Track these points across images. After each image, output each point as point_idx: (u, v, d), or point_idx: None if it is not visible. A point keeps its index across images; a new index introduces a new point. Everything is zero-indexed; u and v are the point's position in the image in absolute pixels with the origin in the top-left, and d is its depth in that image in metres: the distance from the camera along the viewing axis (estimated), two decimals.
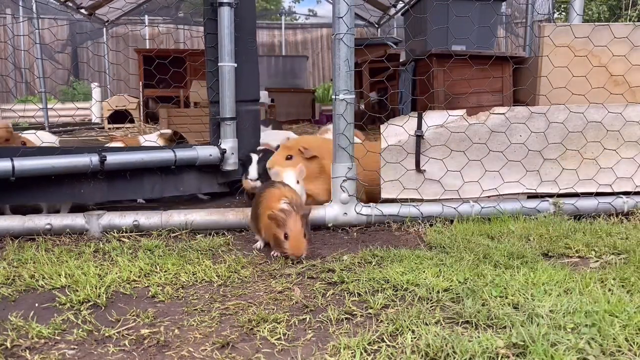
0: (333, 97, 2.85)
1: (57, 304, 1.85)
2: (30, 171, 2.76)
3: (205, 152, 3.21)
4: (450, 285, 1.92)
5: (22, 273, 2.13)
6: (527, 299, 1.78)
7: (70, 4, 8.95)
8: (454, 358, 1.39)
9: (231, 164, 3.31)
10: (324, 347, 1.51)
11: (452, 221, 2.88)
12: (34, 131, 3.64)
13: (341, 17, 2.75)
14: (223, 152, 3.25)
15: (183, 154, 3.15)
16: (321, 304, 1.83)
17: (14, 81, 11.85)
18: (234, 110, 3.25)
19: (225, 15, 3.14)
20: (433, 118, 3.02)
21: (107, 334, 1.61)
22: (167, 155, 3.11)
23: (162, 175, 3.21)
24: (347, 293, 1.91)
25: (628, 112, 3.07)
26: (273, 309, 1.78)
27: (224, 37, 3.15)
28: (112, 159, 2.94)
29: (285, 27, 15.52)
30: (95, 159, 2.87)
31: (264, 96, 8.68)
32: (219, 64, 3.20)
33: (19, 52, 11.52)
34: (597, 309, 1.63)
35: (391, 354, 1.44)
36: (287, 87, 10.64)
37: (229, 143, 3.27)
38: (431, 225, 2.84)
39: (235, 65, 3.22)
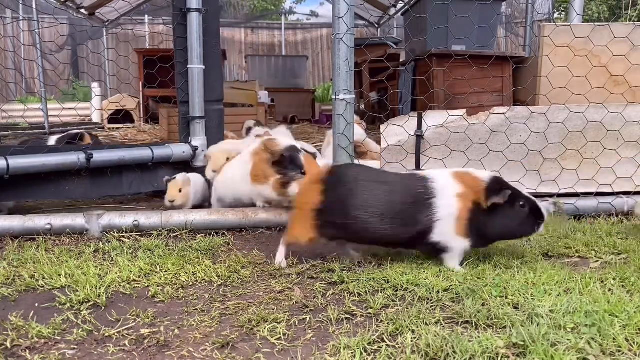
0: (333, 97, 2.85)
1: (57, 304, 1.85)
2: (24, 169, 2.84)
3: (179, 150, 3.39)
4: (450, 285, 1.92)
5: (22, 273, 2.13)
6: (527, 299, 1.78)
7: (70, 4, 8.94)
8: (454, 358, 1.39)
9: (201, 160, 3.46)
10: (324, 347, 1.51)
11: None
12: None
13: (341, 17, 2.75)
14: (195, 149, 3.42)
15: (160, 151, 3.33)
16: (321, 304, 1.83)
17: (14, 81, 11.85)
18: (203, 110, 3.43)
19: (195, 21, 3.31)
20: (433, 118, 3.02)
21: (107, 334, 1.61)
22: (145, 153, 3.29)
23: (139, 172, 3.37)
24: (347, 293, 1.91)
25: (628, 112, 3.07)
26: (273, 309, 1.78)
27: (193, 41, 3.32)
28: (97, 156, 3.08)
29: (285, 27, 15.51)
30: (82, 156, 3.01)
31: (264, 96, 8.68)
32: (189, 66, 3.36)
33: (19, 52, 11.51)
34: (597, 309, 1.63)
35: (391, 354, 1.44)
36: (287, 87, 10.63)
37: (199, 140, 3.44)
38: None
39: (204, 67, 3.38)
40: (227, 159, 3.13)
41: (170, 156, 3.36)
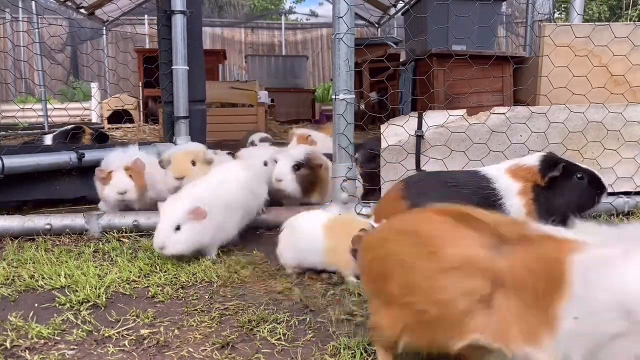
0: (333, 97, 2.85)
1: (57, 304, 1.85)
2: (18, 168, 2.87)
3: (165, 149, 3.39)
4: None
5: (22, 273, 2.13)
6: None
7: (70, 4, 8.94)
8: None
9: None
10: (324, 347, 1.51)
11: None
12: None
13: (341, 17, 2.75)
14: None
15: (147, 150, 3.34)
16: (321, 304, 1.83)
17: (13, 81, 11.84)
18: (187, 110, 3.48)
19: (179, 23, 3.38)
20: (433, 118, 3.02)
21: (107, 334, 1.61)
22: None
23: None
24: (347, 293, 1.91)
25: (628, 112, 3.07)
26: (273, 309, 1.78)
27: (178, 42, 3.39)
28: (88, 156, 3.12)
29: (285, 27, 15.50)
30: (73, 156, 3.06)
31: (264, 96, 8.67)
32: (173, 67, 3.42)
33: (19, 53, 11.50)
34: None
35: None
36: (287, 87, 10.62)
37: (183, 140, 3.47)
38: None
39: (188, 68, 3.44)
40: (193, 162, 2.80)
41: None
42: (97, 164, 3.18)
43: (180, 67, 3.40)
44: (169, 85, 3.46)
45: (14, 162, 2.83)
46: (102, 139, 4.59)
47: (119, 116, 8.26)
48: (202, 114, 3.68)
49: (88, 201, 3.38)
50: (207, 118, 3.82)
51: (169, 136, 3.54)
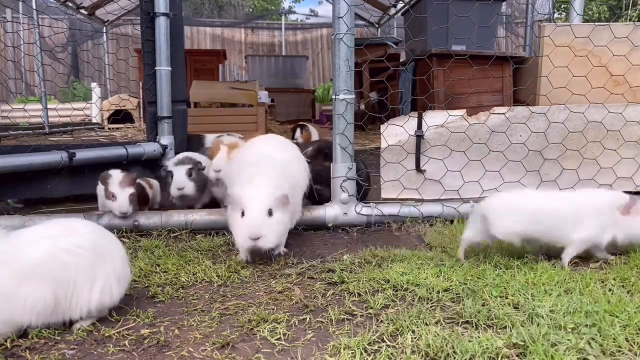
0: (333, 97, 2.85)
1: None
2: (12, 167, 2.87)
3: (150, 148, 3.47)
4: (450, 285, 1.92)
5: None
6: (527, 299, 1.78)
7: (70, 4, 8.95)
8: (454, 358, 1.39)
9: (170, 158, 3.52)
10: (324, 347, 1.51)
11: (452, 221, 2.87)
12: None
13: (341, 17, 2.75)
14: (164, 147, 3.51)
15: (133, 150, 3.40)
16: (321, 304, 1.83)
17: (14, 82, 11.84)
18: (170, 110, 3.53)
19: (163, 25, 3.43)
20: (433, 118, 3.02)
21: (107, 334, 1.61)
22: (120, 151, 3.38)
23: None
24: (347, 293, 1.91)
25: (628, 112, 3.07)
26: (273, 309, 1.78)
27: (161, 44, 3.44)
28: (79, 155, 3.14)
29: (285, 27, 15.50)
30: (65, 155, 3.07)
31: (264, 96, 8.68)
32: (157, 68, 3.46)
33: (19, 53, 11.51)
34: (597, 309, 1.63)
35: (391, 354, 1.44)
36: (287, 87, 10.63)
37: (167, 139, 3.53)
38: (431, 225, 2.84)
39: (171, 69, 3.49)
40: None
41: (142, 154, 3.44)
42: (87, 163, 3.21)
43: (163, 68, 3.45)
44: (152, 86, 3.49)
45: (6, 161, 2.83)
46: None
47: (119, 116, 8.27)
48: (183, 113, 3.73)
49: (76, 199, 3.40)
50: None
51: (153, 135, 3.58)
